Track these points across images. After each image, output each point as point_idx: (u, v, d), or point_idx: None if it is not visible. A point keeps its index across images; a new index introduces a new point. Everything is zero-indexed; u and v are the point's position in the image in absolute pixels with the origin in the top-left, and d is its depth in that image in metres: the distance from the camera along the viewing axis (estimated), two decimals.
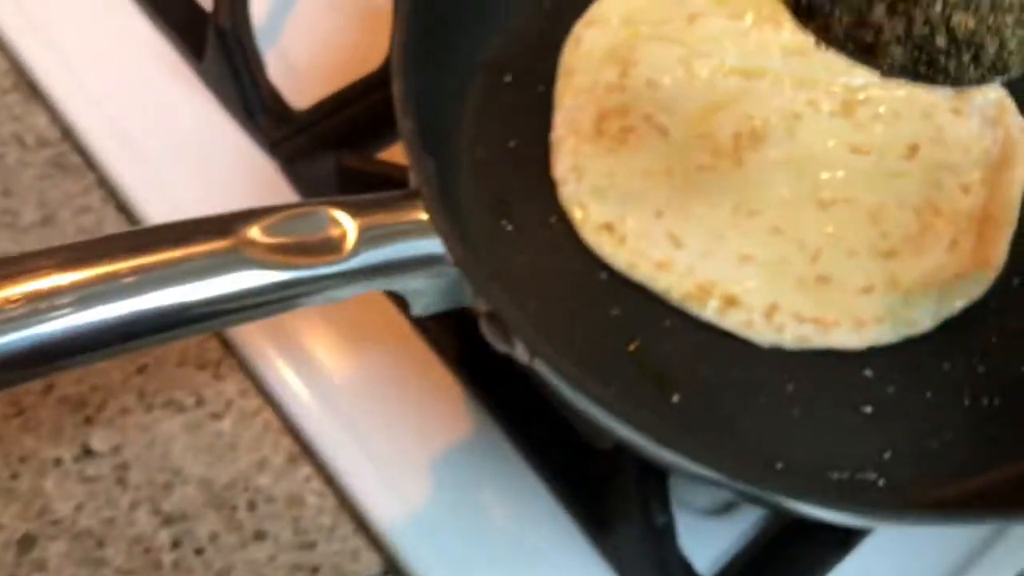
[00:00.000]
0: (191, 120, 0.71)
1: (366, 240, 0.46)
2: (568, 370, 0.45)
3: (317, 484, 0.62)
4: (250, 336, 0.63)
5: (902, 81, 0.50)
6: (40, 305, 0.40)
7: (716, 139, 0.63)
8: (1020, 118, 0.66)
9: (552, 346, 0.56)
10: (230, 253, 0.43)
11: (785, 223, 0.60)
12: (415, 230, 0.48)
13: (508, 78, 0.67)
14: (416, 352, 0.64)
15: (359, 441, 0.61)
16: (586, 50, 0.67)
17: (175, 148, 0.70)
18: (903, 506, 0.53)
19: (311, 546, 0.60)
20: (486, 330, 0.52)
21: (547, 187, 0.63)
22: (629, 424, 0.44)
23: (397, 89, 0.52)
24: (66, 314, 0.40)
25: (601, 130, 0.64)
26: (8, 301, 0.40)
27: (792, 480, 0.53)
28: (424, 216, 0.48)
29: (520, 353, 0.49)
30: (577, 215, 0.61)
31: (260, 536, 0.60)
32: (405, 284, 0.48)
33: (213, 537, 0.60)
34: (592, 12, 0.68)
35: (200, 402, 0.64)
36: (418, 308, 0.51)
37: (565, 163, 0.63)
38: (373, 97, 0.69)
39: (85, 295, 0.41)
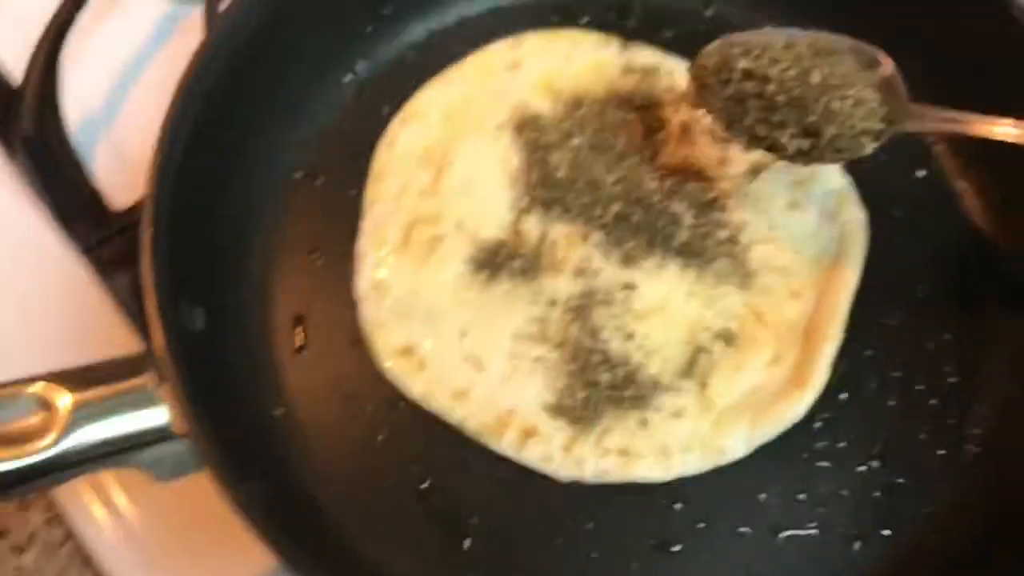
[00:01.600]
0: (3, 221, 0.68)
1: (80, 418, 0.43)
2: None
3: None
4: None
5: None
6: None
7: (529, 249, 0.60)
8: (860, 211, 0.62)
9: (341, 486, 0.54)
10: None
11: (592, 342, 0.57)
12: (140, 400, 0.45)
13: (320, 182, 0.63)
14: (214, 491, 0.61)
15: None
16: (400, 151, 0.63)
17: None
18: None
19: None
20: None
21: (350, 306, 0.59)
22: None
23: (145, 233, 0.49)
24: None
25: (409, 239, 0.61)
26: None
27: None
28: (150, 383, 0.45)
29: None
30: (376, 338, 0.58)
31: None
32: (137, 461, 0.45)
33: None
34: (408, 108, 0.65)
35: (2, 534, 0.61)
36: (165, 474, 0.48)
37: (367, 279, 0.59)
38: None
39: None
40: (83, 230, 0.67)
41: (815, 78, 0.54)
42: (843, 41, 0.56)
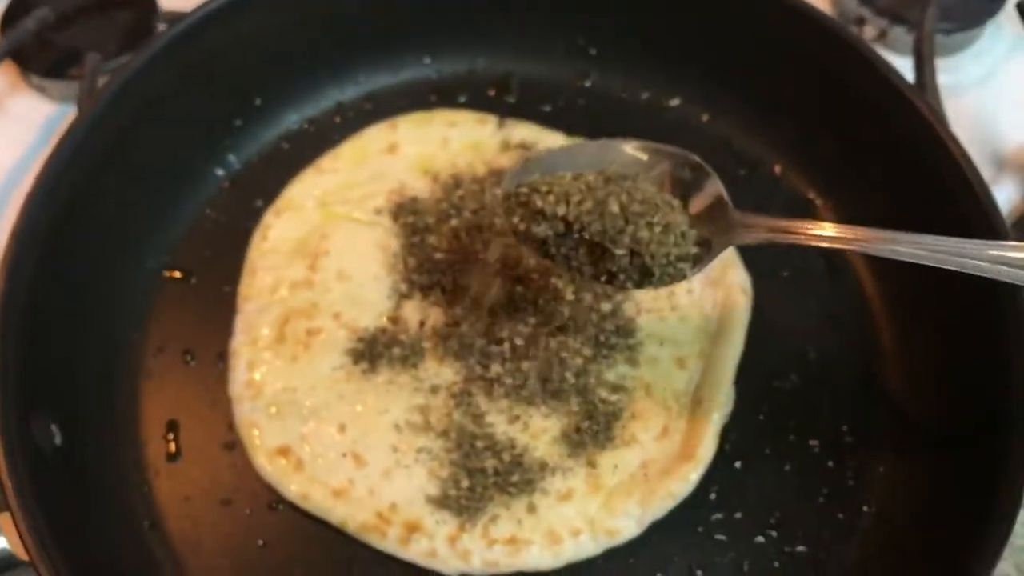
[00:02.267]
0: None
1: None
2: None
3: None
4: None
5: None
6: None
7: (409, 336, 0.58)
8: (743, 274, 0.62)
9: None
10: None
11: (476, 427, 0.55)
12: None
13: (194, 280, 0.62)
14: None
15: None
16: (272, 244, 0.62)
17: None
18: None
19: None
20: None
21: (224, 406, 0.57)
22: None
23: None
24: None
25: (284, 334, 0.59)
26: None
27: None
28: None
29: None
30: (252, 439, 0.56)
31: None
32: None
33: None
34: (282, 198, 0.64)
35: None
36: None
37: (241, 378, 0.57)
38: None
39: None
40: None
41: (613, 207, 0.50)
42: (641, 161, 0.52)
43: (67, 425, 0.52)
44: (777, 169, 0.67)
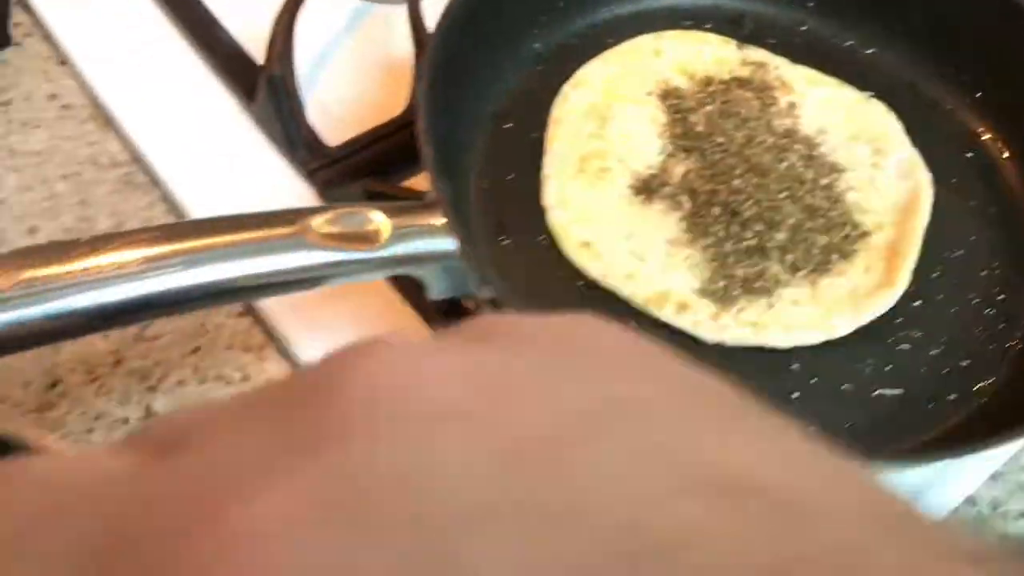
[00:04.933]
0: (242, 149, 0.85)
1: (396, 236, 0.60)
2: None
3: None
4: (290, 325, 0.76)
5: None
6: (152, 266, 0.53)
7: (675, 182, 0.78)
8: (927, 172, 0.81)
9: None
10: (294, 237, 0.56)
11: (730, 245, 0.74)
12: (434, 231, 0.62)
13: (509, 125, 0.81)
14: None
15: None
16: (571, 106, 0.81)
17: (228, 172, 0.84)
18: None
19: None
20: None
21: (538, 213, 0.76)
22: None
23: (420, 124, 0.66)
24: (174, 272, 0.53)
25: (583, 169, 0.78)
26: (128, 263, 0.53)
27: None
28: (442, 220, 0.62)
29: None
30: (561, 235, 0.75)
31: None
32: (424, 272, 0.62)
33: None
34: (578, 76, 0.83)
35: (245, 378, 0.76)
36: (434, 293, 0.64)
37: (552, 195, 0.77)
38: (396, 137, 0.84)
39: (187, 260, 0.54)
40: (306, 158, 0.84)
41: None
42: None
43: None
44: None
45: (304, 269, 0.56)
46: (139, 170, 0.86)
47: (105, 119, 0.88)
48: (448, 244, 0.61)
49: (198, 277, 0.54)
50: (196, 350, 0.77)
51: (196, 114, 0.87)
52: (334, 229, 0.57)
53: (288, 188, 0.84)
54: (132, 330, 0.76)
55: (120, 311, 0.52)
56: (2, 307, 0.49)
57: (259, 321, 0.78)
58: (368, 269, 0.58)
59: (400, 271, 0.60)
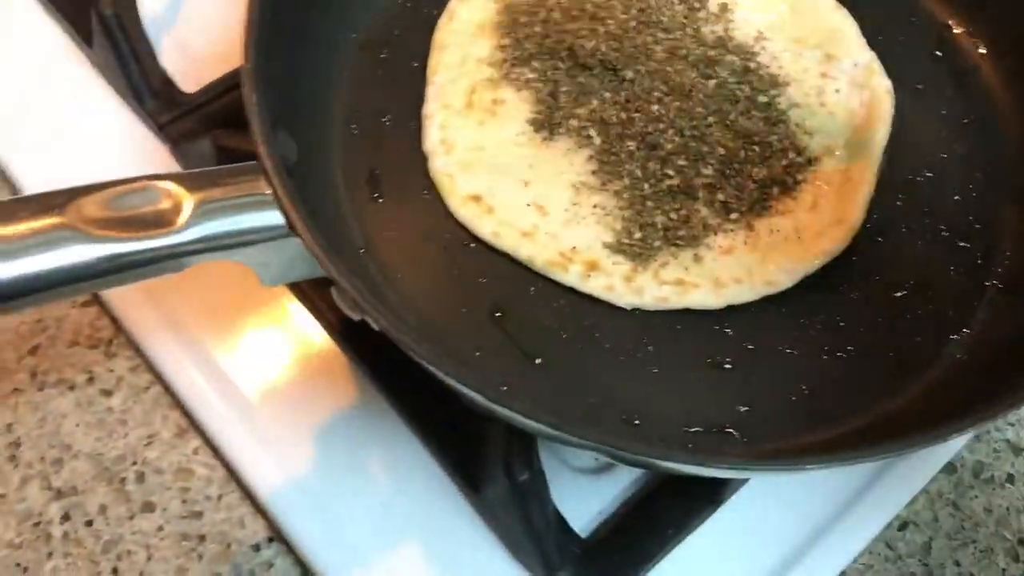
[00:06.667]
0: (81, 102, 0.73)
1: (202, 213, 0.47)
2: (403, 334, 0.47)
3: (205, 456, 0.64)
4: (140, 314, 0.65)
5: None
6: None
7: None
8: (886, 79, 0.68)
9: (419, 313, 0.58)
10: (58, 229, 0.44)
11: (649, 187, 0.62)
12: (255, 203, 0.49)
13: (384, 54, 0.68)
14: (300, 324, 0.65)
15: (246, 413, 0.63)
16: (459, 25, 0.68)
17: (64, 129, 0.71)
18: (753, 456, 0.55)
19: (198, 515, 0.62)
20: (336, 298, 0.54)
21: (419, 161, 0.64)
22: (460, 381, 0.46)
23: (246, 57, 0.53)
24: None
25: (471, 103, 0.65)
26: None
27: (641, 433, 0.55)
28: (265, 189, 0.49)
29: (371, 320, 0.50)
30: (446, 186, 0.62)
31: (149, 507, 0.62)
32: (246, 256, 0.50)
33: (102, 509, 0.62)
34: None
35: (91, 379, 0.65)
36: (266, 279, 0.52)
37: (435, 136, 0.64)
38: None
39: None
40: (156, 109, 0.72)
41: None
42: None
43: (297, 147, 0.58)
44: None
45: (75, 268, 0.44)
46: None
47: None
48: (273, 218, 0.48)
49: None
50: (34, 350, 0.66)
51: (28, 63, 0.75)
52: (111, 213, 0.45)
53: (137, 147, 0.72)
54: None
55: None
56: None
57: (107, 311, 0.67)
58: (162, 259, 0.46)
59: (211, 258, 0.48)
